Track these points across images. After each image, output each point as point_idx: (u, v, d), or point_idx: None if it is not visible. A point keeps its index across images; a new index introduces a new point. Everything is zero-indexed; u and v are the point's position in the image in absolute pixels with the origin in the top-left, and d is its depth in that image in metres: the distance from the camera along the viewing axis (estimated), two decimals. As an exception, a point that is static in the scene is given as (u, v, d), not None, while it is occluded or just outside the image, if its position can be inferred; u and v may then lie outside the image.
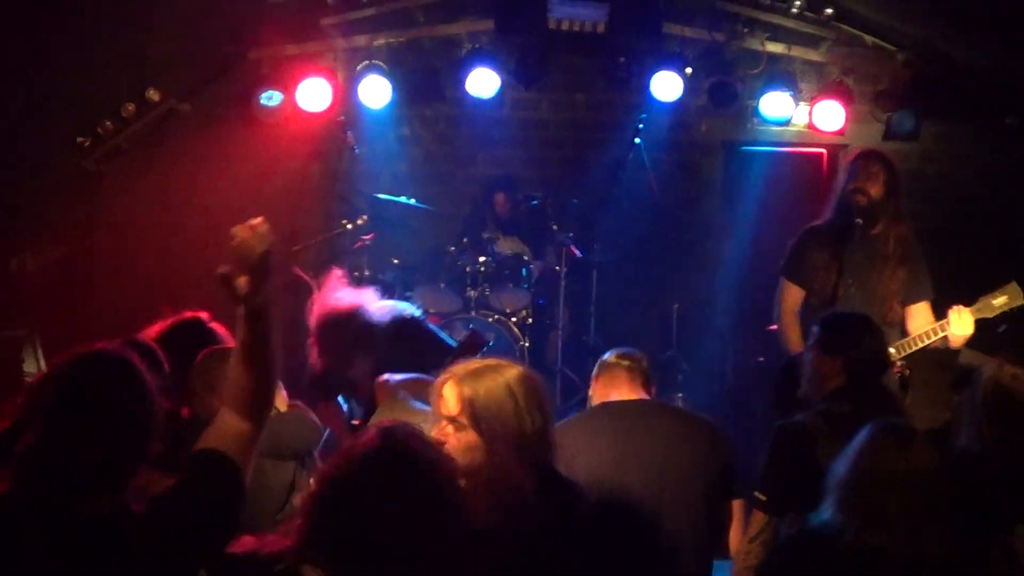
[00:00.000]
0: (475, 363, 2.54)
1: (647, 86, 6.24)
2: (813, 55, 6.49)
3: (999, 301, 4.21)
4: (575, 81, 6.70)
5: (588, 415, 3.46)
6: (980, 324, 4.21)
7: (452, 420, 2.41)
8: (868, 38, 6.46)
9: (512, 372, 2.48)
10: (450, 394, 2.44)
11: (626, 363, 3.44)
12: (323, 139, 6.48)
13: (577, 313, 6.62)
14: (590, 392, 3.56)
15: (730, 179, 6.92)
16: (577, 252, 6.40)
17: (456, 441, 2.39)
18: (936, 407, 5.00)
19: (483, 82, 6.14)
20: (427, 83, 6.29)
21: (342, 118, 6.28)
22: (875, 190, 4.36)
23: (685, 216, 6.81)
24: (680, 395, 6.17)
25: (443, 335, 3.67)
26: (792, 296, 4.54)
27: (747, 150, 6.94)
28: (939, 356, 4.43)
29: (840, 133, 6.43)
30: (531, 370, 2.55)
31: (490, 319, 6.19)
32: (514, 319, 6.28)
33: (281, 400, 3.04)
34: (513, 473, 2.32)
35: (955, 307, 4.19)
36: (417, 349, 3.34)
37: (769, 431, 3.34)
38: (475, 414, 2.37)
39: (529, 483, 2.30)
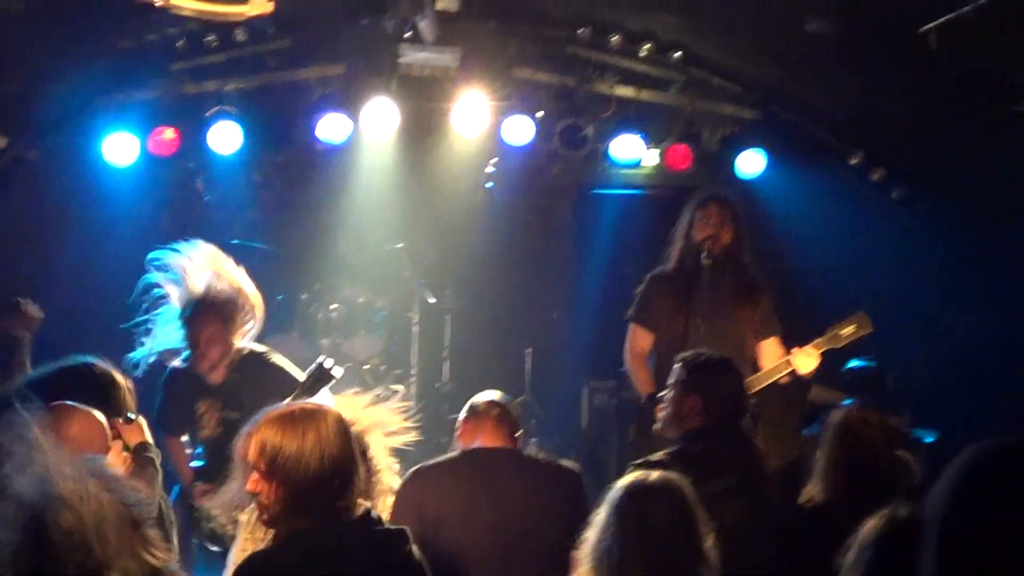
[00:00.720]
0: (284, 409, 2.70)
1: (499, 130, 6.72)
2: (662, 98, 6.93)
3: (847, 331, 4.55)
4: (427, 126, 7.05)
5: (447, 461, 3.65)
6: (832, 356, 4.60)
7: (254, 467, 2.56)
8: (716, 80, 6.90)
9: (323, 419, 2.62)
10: (253, 441, 2.60)
11: (495, 412, 3.68)
12: (173, 186, 7.01)
13: (430, 359, 7.22)
14: (456, 435, 3.79)
15: (583, 222, 7.45)
16: (430, 298, 6.96)
17: (254, 486, 2.56)
18: (785, 443, 5.56)
19: (334, 127, 6.60)
20: (278, 128, 6.80)
21: (191, 165, 6.86)
22: (722, 236, 4.74)
23: (538, 260, 7.42)
24: (534, 440, 6.64)
25: (291, 368, 4.11)
26: (641, 341, 4.85)
27: (599, 193, 7.46)
28: (789, 392, 4.85)
29: (690, 174, 6.94)
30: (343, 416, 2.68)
31: (343, 368, 6.83)
32: (367, 367, 6.88)
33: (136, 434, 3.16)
34: (305, 519, 2.52)
35: (796, 348, 4.53)
36: (265, 383, 3.80)
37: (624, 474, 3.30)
38: (273, 462, 2.53)
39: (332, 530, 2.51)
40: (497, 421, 3.68)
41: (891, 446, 3.45)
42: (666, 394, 3.66)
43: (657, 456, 3.43)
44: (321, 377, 4.00)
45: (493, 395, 3.80)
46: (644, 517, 2.58)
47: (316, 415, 2.61)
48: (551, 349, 7.33)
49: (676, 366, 3.65)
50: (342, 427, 2.63)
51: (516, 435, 3.76)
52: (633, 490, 2.67)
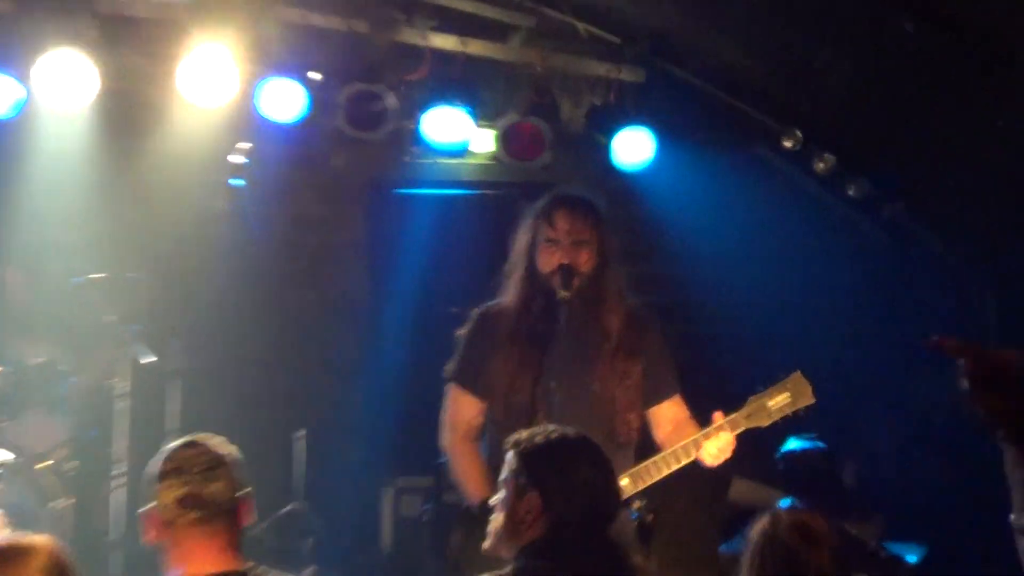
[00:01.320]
0: None
1: (252, 100, 5.90)
2: (500, 51, 6.30)
3: (778, 401, 4.19)
4: (142, 95, 6.16)
5: None
6: (757, 436, 4.21)
7: None
8: (582, 26, 6.31)
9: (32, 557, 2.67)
10: None
11: (194, 515, 3.12)
12: None
13: (147, 450, 5.96)
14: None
15: (379, 238, 6.69)
16: (145, 356, 5.75)
17: None
18: (696, 565, 5.70)
19: None
20: None
21: None
22: (584, 261, 4.27)
23: (313, 296, 6.59)
24: (311, 569, 5.93)
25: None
26: (467, 411, 4.41)
27: (404, 193, 6.79)
28: (698, 489, 4.91)
29: (543, 165, 6.30)
30: (63, 549, 2.66)
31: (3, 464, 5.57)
32: (48, 463, 5.83)
33: None
34: None
35: (712, 427, 4.14)
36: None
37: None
38: None
39: None
40: (201, 529, 3.15)
41: (846, 570, 3.31)
42: (497, 495, 3.39)
43: None
44: None
45: (177, 471, 3.17)
46: None
47: (21, 554, 2.73)
48: (332, 431, 6.43)
49: (508, 453, 3.36)
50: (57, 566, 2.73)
51: (240, 535, 3.23)
52: None
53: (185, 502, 3.03)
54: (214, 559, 3.12)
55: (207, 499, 3.06)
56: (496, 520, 3.39)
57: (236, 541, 3.14)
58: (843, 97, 5.99)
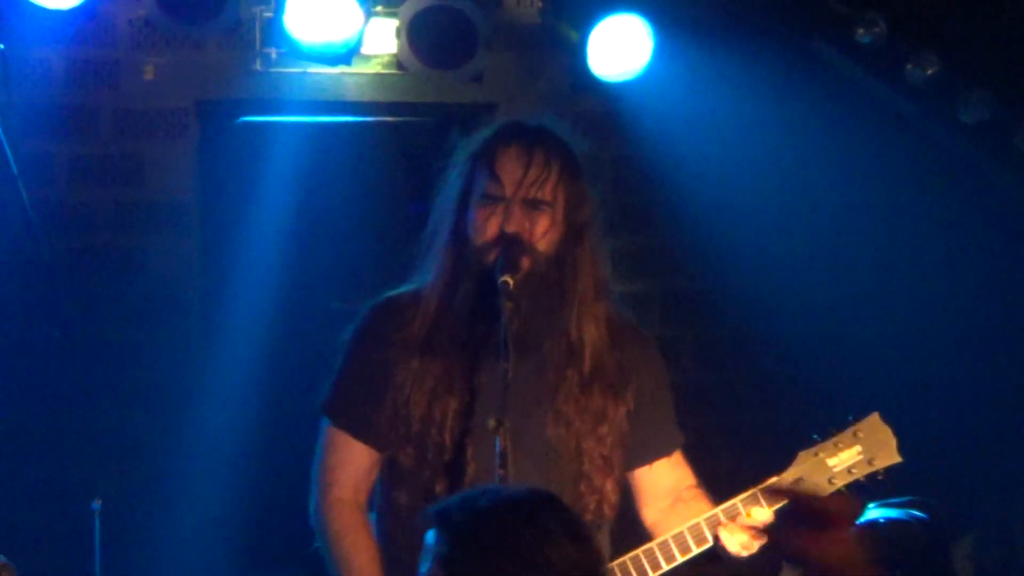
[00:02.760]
0: None
1: None
2: None
3: (843, 459, 3.56)
4: None
5: None
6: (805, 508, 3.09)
7: None
8: None
9: None
10: None
11: None
12: None
13: None
14: None
15: (213, 195, 5.24)
16: None
17: None
18: None
19: None
20: None
21: None
22: (542, 229, 3.46)
23: (104, 295, 5.08)
24: None
25: None
26: (352, 463, 3.61)
27: (253, 122, 5.32)
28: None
29: (471, 74, 5.01)
30: None
31: None
32: None
33: None
34: None
35: (743, 495, 3.49)
36: None
37: None
38: None
39: None
40: None
41: None
42: None
43: None
44: None
45: None
46: None
47: None
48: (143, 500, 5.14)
49: (427, 531, 2.57)
50: None
51: None
52: None
53: None
54: None
55: None
56: None
57: None
58: None
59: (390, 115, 5.44)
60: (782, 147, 5.32)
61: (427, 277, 3.55)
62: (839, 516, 2.03)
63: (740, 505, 3.44)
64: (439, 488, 3.40)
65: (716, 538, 3.43)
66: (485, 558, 2.50)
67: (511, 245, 3.41)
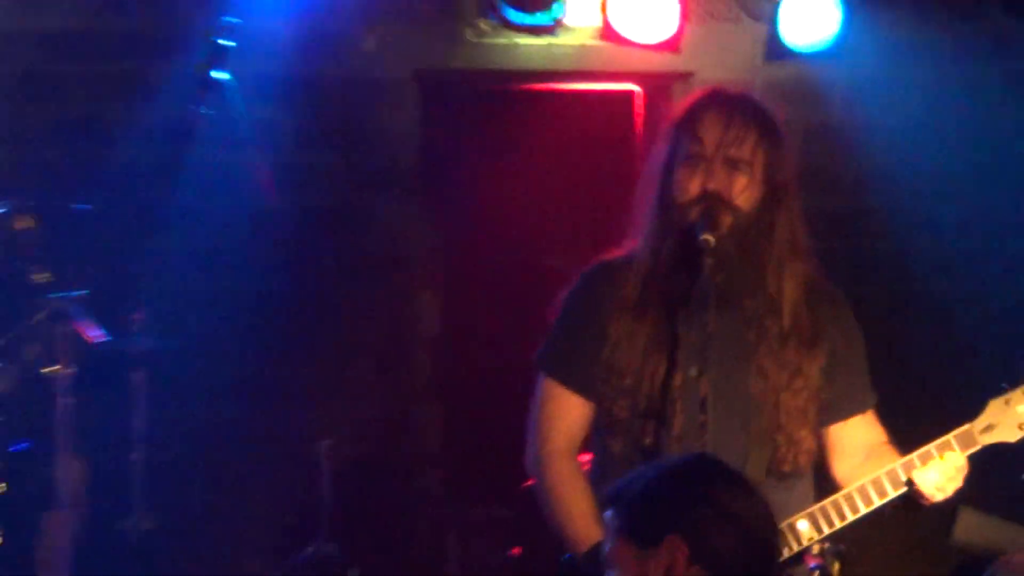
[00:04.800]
0: None
1: None
2: None
3: None
4: None
5: None
6: (996, 454, 3.73)
7: None
8: None
9: None
10: None
11: None
12: None
13: (107, 465, 5.33)
14: None
15: (435, 157, 5.80)
16: (96, 332, 5.11)
17: None
18: None
19: None
20: None
21: None
22: (741, 189, 3.63)
23: (342, 242, 5.71)
24: None
25: None
26: (568, 415, 3.77)
27: (468, 91, 5.96)
28: (911, 528, 4.65)
29: (671, 48, 5.48)
30: None
31: None
32: None
33: None
34: None
35: (933, 444, 3.63)
36: None
37: None
38: None
39: None
40: None
41: None
42: (603, 547, 2.87)
43: None
44: None
45: None
46: None
47: None
48: (369, 434, 5.83)
49: (607, 515, 2.84)
50: None
51: None
52: None
53: None
54: None
55: None
56: None
57: None
58: None
59: (595, 83, 5.88)
60: (969, 113, 5.57)
61: (637, 240, 3.78)
62: None
63: (934, 450, 3.63)
64: (648, 439, 3.63)
65: (911, 481, 3.62)
66: (676, 508, 2.75)
67: (712, 202, 3.60)
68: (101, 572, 5.36)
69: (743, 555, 2.77)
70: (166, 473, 5.48)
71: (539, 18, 5.52)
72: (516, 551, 5.16)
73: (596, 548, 3.44)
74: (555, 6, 5.50)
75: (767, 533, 2.83)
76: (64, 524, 5.29)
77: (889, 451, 3.75)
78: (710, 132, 3.64)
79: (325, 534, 5.47)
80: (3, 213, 5.26)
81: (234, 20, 5.05)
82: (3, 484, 5.13)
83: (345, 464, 5.52)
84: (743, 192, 3.62)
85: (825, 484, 3.79)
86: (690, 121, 3.68)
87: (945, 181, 5.65)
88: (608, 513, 2.81)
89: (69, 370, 5.02)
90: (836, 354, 3.76)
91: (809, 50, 5.39)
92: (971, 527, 5.06)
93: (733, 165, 3.61)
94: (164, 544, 5.35)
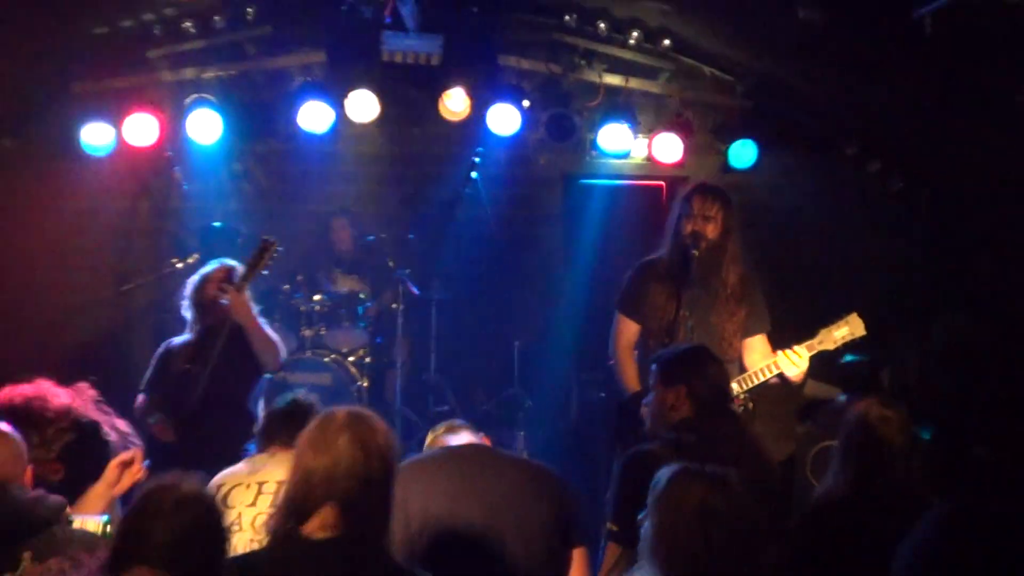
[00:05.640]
0: None
1: (484, 119, 7.72)
2: (651, 87, 8.06)
3: (840, 333, 5.08)
4: (410, 115, 8.19)
5: (427, 457, 4.02)
6: (824, 355, 5.17)
7: None
8: (707, 69, 8.03)
9: None
10: None
11: (468, 425, 4.22)
12: (151, 175, 8.09)
13: (416, 351, 8.15)
14: (427, 441, 4.26)
15: (569, 212, 8.43)
16: (415, 289, 7.88)
17: None
18: (781, 440, 6.57)
19: (316, 116, 7.67)
20: (258, 117, 7.87)
21: (169, 154, 7.91)
22: (711, 230, 5.26)
23: (524, 251, 8.30)
24: (522, 433, 7.75)
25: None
26: (628, 331, 5.41)
27: (586, 183, 8.48)
28: (783, 388, 5.36)
29: (679, 165, 7.94)
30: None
31: (326, 359, 7.75)
32: (351, 358, 7.85)
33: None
34: None
35: (784, 350, 5.10)
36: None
37: (616, 462, 4.03)
38: None
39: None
40: (467, 426, 4.26)
41: (909, 441, 3.87)
42: (651, 391, 4.23)
43: (650, 446, 3.97)
44: (265, 249, 5.76)
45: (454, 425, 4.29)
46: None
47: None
48: (538, 341, 8.23)
49: (652, 367, 4.22)
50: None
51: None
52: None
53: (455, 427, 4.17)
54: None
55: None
56: (650, 410, 4.20)
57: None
58: (891, 118, 7.22)
59: (642, 181, 8.62)
60: (812, 200, 7.85)
61: (661, 251, 5.40)
62: None
63: (798, 350, 5.05)
64: (663, 343, 4.97)
65: (781, 368, 5.05)
66: (674, 372, 4.04)
67: (698, 236, 5.18)
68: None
69: (711, 397, 4.01)
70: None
71: (620, 154, 8.09)
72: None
73: (637, 393, 4.96)
74: (627, 152, 8.00)
75: (725, 385, 4.15)
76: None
77: (771, 353, 5.19)
78: (697, 202, 5.23)
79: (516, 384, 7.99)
80: (371, 240, 7.86)
81: (480, 149, 7.87)
82: (370, 358, 7.84)
83: (526, 352, 8.06)
84: (712, 231, 5.20)
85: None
86: (691, 200, 5.24)
87: (803, 236, 7.83)
88: (653, 367, 4.17)
89: (402, 307, 7.85)
90: (752, 307, 5.33)
91: (742, 167, 7.88)
92: (813, 388, 6.58)
93: (706, 219, 5.21)
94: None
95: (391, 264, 8.14)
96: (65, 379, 6.70)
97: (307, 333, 7.94)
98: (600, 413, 7.58)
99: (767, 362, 5.10)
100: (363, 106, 7.81)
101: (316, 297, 7.99)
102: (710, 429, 3.98)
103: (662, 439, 4.01)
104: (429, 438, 4.29)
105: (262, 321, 5.87)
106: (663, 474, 3.04)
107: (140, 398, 5.95)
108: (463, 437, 4.15)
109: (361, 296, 8.16)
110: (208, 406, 5.75)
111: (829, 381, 6.85)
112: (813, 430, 6.55)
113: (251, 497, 4.11)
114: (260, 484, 4.17)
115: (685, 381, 4.07)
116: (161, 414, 5.77)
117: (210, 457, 4.45)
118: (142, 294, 7.84)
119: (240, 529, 3.98)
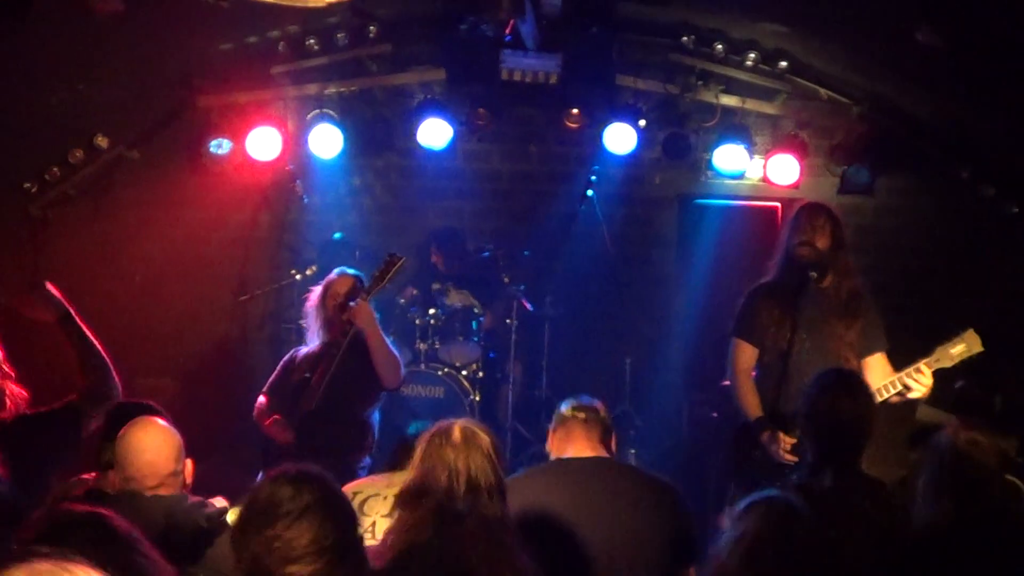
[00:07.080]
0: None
1: (600, 138, 7.97)
2: (767, 108, 8.21)
3: (957, 350, 5.08)
4: (527, 132, 8.47)
5: (542, 470, 4.13)
6: (938, 375, 5.14)
7: None
8: (823, 91, 8.15)
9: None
10: None
11: (582, 415, 4.16)
12: (272, 188, 8.45)
13: (529, 367, 8.30)
14: (547, 446, 4.30)
15: (684, 232, 8.60)
16: (529, 305, 8.07)
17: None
18: (889, 463, 6.19)
19: (435, 132, 8.00)
20: (378, 133, 8.27)
21: (290, 167, 8.27)
22: (821, 242, 5.35)
23: (638, 269, 8.45)
24: (633, 451, 7.89)
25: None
26: (745, 356, 5.47)
27: (701, 203, 8.63)
28: (894, 410, 5.31)
29: (794, 187, 8.02)
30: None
31: (440, 372, 7.91)
32: (464, 373, 7.98)
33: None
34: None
35: (913, 367, 5.10)
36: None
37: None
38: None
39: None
40: (585, 426, 4.21)
41: (1002, 469, 3.80)
42: (798, 419, 4.41)
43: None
44: (392, 263, 5.89)
45: (579, 400, 4.35)
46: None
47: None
48: (650, 359, 8.40)
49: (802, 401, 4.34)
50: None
51: (609, 440, 4.28)
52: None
53: (579, 410, 4.26)
54: (592, 448, 4.15)
55: (593, 411, 4.27)
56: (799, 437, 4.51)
57: (604, 436, 4.19)
58: (1006, 143, 7.36)
59: (757, 201, 8.72)
60: (938, 231, 8.23)
61: (772, 273, 5.59)
62: None
63: (921, 368, 5.09)
64: (779, 365, 5.12)
65: (906, 385, 5.07)
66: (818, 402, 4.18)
67: (808, 248, 5.35)
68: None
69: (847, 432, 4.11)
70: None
71: (735, 174, 8.20)
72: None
73: (760, 419, 5.07)
74: (742, 172, 8.13)
75: (862, 428, 4.16)
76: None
77: (891, 372, 5.21)
78: (805, 216, 5.42)
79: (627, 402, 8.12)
80: (489, 256, 8.14)
81: (596, 167, 8.19)
82: (483, 372, 7.94)
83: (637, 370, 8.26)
84: (823, 242, 5.33)
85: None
86: (799, 216, 5.45)
87: (914, 257, 8.20)
88: (801, 404, 4.28)
89: (516, 323, 8.04)
90: (865, 325, 5.36)
91: (855, 190, 8.11)
92: (925, 411, 6.24)
93: (815, 229, 5.37)
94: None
95: (506, 280, 8.33)
96: (185, 385, 7.80)
97: (421, 346, 8.08)
98: (712, 433, 7.69)
99: (888, 379, 5.17)
100: (479, 124, 8.27)
101: (431, 311, 8.13)
102: (843, 479, 4.11)
103: (791, 481, 4.15)
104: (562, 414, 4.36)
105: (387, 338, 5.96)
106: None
107: (261, 400, 6.15)
108: (577, 439, 4.21)
109: (475, 311, 8.31)
110: (323, 418, 5.91)
111: (941, 407, 6.54)
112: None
113: (387, 508, 4.14)
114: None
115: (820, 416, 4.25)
116: (279, 416, 5.93)
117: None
118: (260, 304, 8.28)
119: (373, 537, 4.00)
